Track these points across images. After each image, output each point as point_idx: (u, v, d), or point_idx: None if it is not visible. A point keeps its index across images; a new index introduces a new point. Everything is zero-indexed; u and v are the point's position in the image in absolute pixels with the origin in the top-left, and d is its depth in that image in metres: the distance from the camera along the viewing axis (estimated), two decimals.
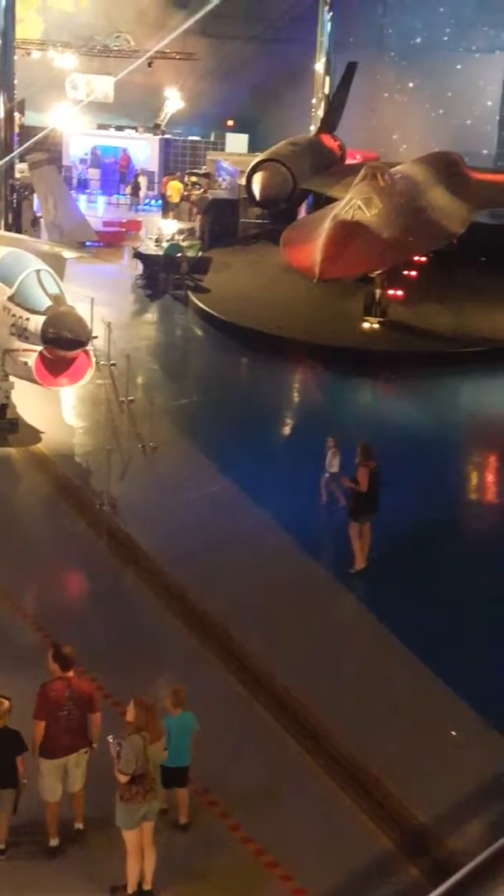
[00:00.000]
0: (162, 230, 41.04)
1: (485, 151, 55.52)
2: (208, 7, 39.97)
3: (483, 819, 12.53)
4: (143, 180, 53.17)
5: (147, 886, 11.24)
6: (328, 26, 49.82)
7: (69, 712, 11.78)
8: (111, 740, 11.16)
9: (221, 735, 13.44)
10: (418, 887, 11.33)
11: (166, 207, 48.60)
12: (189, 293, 36.26)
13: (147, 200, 53.17)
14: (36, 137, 39.86)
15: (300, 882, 11.35)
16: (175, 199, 48.14)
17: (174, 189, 48.43)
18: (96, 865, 11.52)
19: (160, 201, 50.64)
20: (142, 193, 52.87)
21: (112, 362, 28.08)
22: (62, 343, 21.54)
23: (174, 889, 11.27)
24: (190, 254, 38.49)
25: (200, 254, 39.70)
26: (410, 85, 59.30)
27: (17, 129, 42.29)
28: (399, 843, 12.00)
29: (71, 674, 12.00)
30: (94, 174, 54.72)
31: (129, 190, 52.89)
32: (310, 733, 13.75)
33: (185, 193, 48.32)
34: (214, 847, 11.90)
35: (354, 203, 31.57)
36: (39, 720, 11.74)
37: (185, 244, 39.12)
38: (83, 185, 54.50)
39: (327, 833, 12.13)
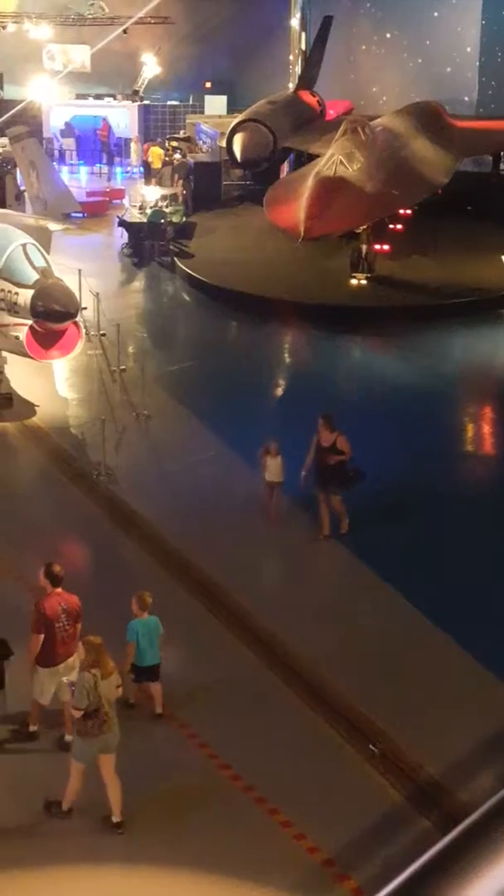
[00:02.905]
0: (145, 197, 40.87)
1: (466, 98, 54.98)
2: None
3: (493, 769, 12.66)
4: (134, 146, 53.17)
5: (117, 818, 11.56)
6: None
7: (64, 625, 12.88)
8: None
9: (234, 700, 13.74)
10: (432, 837, 11.48)
11: (148, 174, 48.35)
12: (175, 259, 36.19)
13: (128, 168, 53.03)
14: (13, 111, 39.64)
15: (312, 840, 11.49)
16: (157, 165, 47.86)
17: (155, 155, 48.15)
18: None
19: (142, 168, 50.46)
20: (133, 160, 52.77)
21: (102, 332, 28.08)
22: (52, 316, 21.60)
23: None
24: (174, 219, 38.40)
25: (184, 219, 39.61)
26: (388, 36, 58.60)
27: None
28: (408, 796, 12.15)
29: (60, 589, 13.09)
30: (68, 144, 54.40)
31: (105, 159, 53.02)
32: (311, 688, 13.92)
33: (167, 159, 48.10)
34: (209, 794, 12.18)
35: (336, 159, 31.39)
36: (38, 634, 12.80)
37: (168, 210, 39.02)
38: (65, 157, 54.26)
39: (334, 784, 12.31)
